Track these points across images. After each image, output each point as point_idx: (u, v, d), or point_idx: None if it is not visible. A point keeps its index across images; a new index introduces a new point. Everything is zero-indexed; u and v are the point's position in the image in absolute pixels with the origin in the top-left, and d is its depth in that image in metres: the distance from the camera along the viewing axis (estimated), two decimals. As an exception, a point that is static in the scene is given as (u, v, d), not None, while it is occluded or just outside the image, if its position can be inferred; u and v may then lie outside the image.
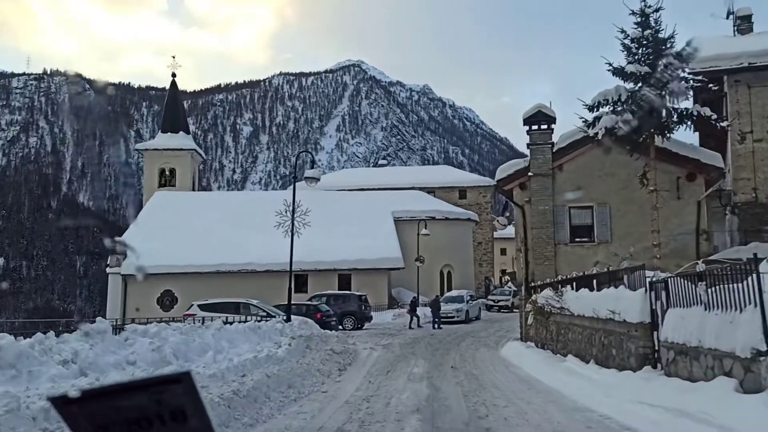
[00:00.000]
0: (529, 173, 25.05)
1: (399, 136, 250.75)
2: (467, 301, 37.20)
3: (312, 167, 22.78)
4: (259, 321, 19.10)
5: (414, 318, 33.38)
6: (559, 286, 20.37)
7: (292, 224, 22.07)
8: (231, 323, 17.34)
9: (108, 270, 42.98)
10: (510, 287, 53.01)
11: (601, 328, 14.16)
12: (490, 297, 47.02)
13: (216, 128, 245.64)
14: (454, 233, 47.36)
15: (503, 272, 74.83)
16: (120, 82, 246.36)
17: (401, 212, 46.15)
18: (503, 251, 78.60)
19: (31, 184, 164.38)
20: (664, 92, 19.34)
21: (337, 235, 42.28)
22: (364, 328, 33.21)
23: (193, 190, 55.17)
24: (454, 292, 38.44)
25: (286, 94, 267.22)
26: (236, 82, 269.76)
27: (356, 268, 40.27)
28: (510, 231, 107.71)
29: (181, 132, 54.87)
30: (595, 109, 21.04)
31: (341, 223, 43.73)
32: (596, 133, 20.65)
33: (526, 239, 25.32)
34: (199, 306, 26.47)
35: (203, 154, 57.20)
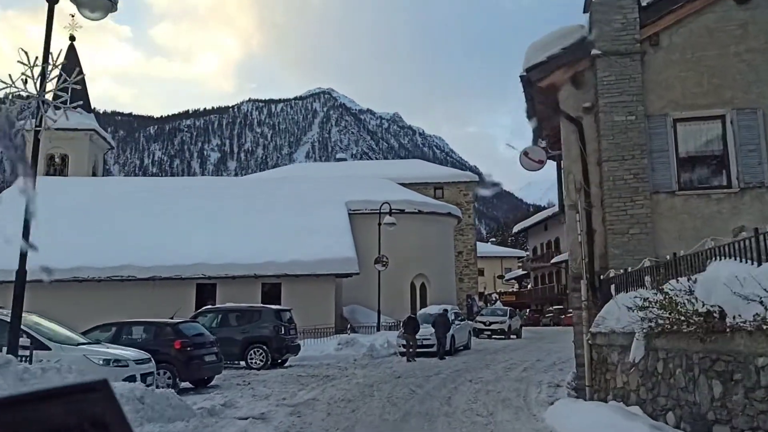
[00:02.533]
0: (593, 51, 11.90)
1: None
2: (452, 322, 23.72)
3: None
4: None
5: (411, 345, 21.02)
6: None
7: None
8: None
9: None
10: (500, 306, 39.49)
11: None
12: (478, 319, 33.43)
13: (183, 154, 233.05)
14: (429, 233, 33.90)
15: (480, 296, 61.44)
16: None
17: (359, 203, 32.63)
18: (480, 271, 65.10)
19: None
20: None
21: (264, 230, 28.56)
22: (286, 364, 19.45)
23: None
24: (432, 309, 24.87)
25: (255, 120, 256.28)
26: (204, 108, 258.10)
27: (288, 273, 26.40)
28: (494, 251, 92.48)
29: (79, 109, 40.97)
30: None
31: (273, 215, 30.05)
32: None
33: (587, 186, 11.98)
34: None
35: (110, 139, 43.35)
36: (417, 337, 21.31)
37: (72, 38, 42.22)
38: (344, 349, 21.56)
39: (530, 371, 17.28)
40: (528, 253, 67.31)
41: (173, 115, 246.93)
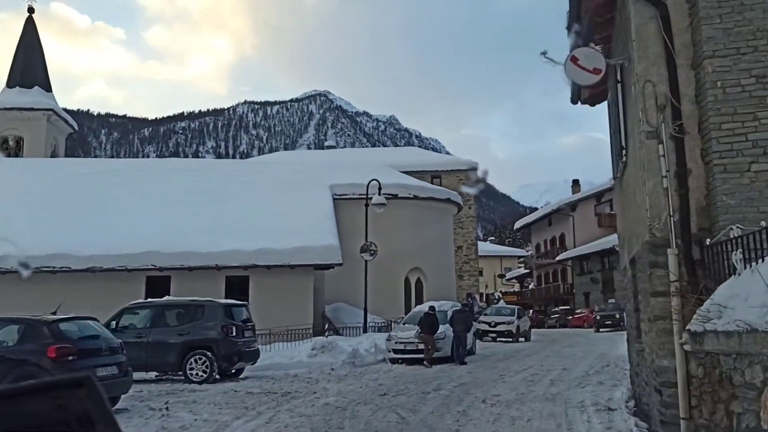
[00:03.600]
0: None
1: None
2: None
3: None
4: None
5: (430, 348, 17.49)
6: None
7: None
8: None
9: None
10: (505, 305, 34.96)
11: None
12: (482, 319, 28.86)
13: (177, 156, 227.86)
14: (426, 222, 29.38)
15: (482, 296, 57.01)
16: (79, 109, 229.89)
17: (346, 187, 28.08)
18: (479, 271, 60.53)
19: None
20: None
21: (232, 215, 24.02)
22: (240, 375, 14.89)
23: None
24: (426, 306, 20.29)
25: (251, 122, 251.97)
26: (199, 110, 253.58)
27: (257, 264, 21.82)
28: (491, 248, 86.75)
29: (36, 87, 36.39)
30: None
31: (245, 200, 25.53)
32: None
33: (676, 100, 7.47)
34: None
35: (71, 121, 38.60)
36: (400, 338, 17.00)
37: (30, 10, 37.64)
38: (319, 356, 17.01)
39: (560, 385, 12.78)
40: (530, 251, 62.82)
41: (168, 117, 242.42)
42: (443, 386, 12.75)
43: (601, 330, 36.99)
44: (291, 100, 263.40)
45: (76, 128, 40.77)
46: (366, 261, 22.06)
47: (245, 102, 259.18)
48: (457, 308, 19.32)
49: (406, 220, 28.73)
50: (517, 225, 65.50)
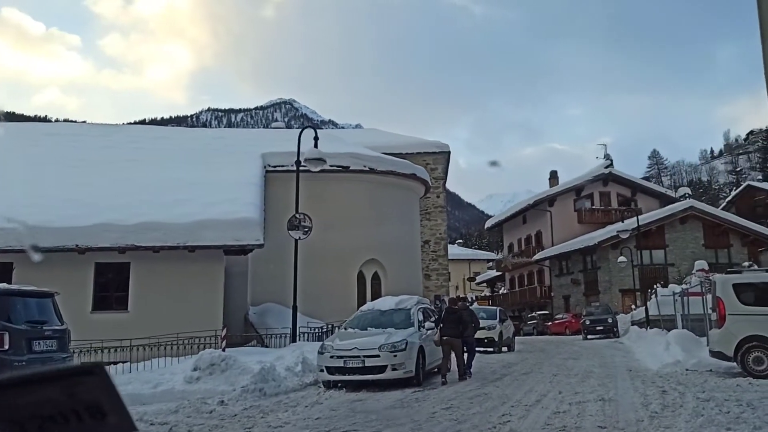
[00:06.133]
0: None
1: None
2: (419, 325, 12.72)
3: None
4: None
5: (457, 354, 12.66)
6: None
7: None
8: None
9: None
10: (484, 307, 28.51)
11: None
12: (455, 323, 22.39)
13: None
14: (386, 202, 22.90)
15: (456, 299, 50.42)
16: (36, 115, 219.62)
17: (282, 156, 21.38)
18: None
19: None
20: None
21: (117, 184, 17.20)
22: None
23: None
24: (387, 300, 13.78)
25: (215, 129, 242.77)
26: (161, 117, 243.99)
27: (139, 245, 14.95)
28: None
29: None
30: None
31: (151, 167, 18.74)
32: None
33: None
34: None
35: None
36: (338, 349, 10.62)
37: None
38: (205, 379, 10.32)
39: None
40: (502, 253, 56.75)
41: (128, 124, 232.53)
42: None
43: (589, 337, 31.06)
44: (256, 108, 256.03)
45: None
46: (296, 241, 15.43)
47: (209, 109, 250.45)
48: (465, 306, 14.18)
49: (361, 199, 22.23)
50: (488, 224, 59.45)
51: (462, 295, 32.39)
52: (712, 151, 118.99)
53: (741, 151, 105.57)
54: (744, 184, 72.38)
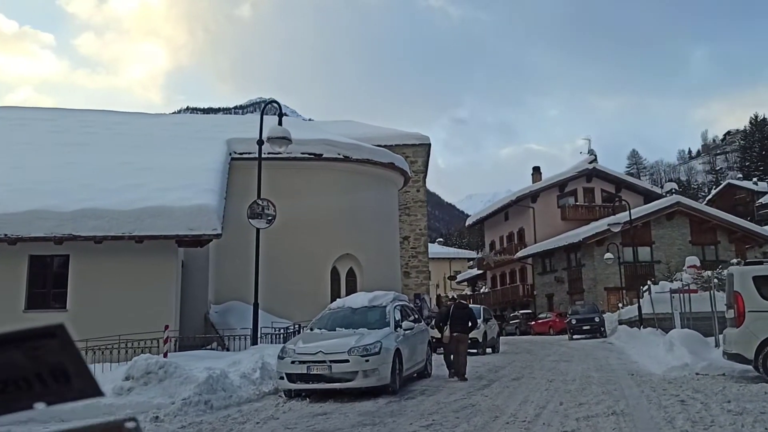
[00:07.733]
0: None
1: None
2: (395, 325, 11.05)
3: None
4: None
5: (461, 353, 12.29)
6: None
7: None
8: None
9: None
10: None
11: None
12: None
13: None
14: (363, 193, 21.16)
15: (439, 299, 48.91)
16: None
17: (248, 142, 19.53)
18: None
19: None
20: None
21: (68, 170, 15.29)
22: None
23: None
24: (360, 297, 12.08)
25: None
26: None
27: (78, 235, 13.03)
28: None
29: None
30: None
31: (104, 152, 16.84)
32: None
33: None
34: None
35: None
36: (301, 353, 8.92)
37: None
38: (138, 390, 8.52)
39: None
40: (484, 250, 55.26)
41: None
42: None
43: (575, 337, 29.63)
44: (236, 107, 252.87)
45: None
46: (258, 231, 13.63)
47: (187, 108, 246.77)
48: (459, 304, 13.38)
49: (335, 190, 20.45)
50: (470, 221, 57.97)
51: (420, 296, 30.78)
52: (690, 152, 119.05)
53: (719, 151, 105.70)
54: (724, 183, 71.86)
